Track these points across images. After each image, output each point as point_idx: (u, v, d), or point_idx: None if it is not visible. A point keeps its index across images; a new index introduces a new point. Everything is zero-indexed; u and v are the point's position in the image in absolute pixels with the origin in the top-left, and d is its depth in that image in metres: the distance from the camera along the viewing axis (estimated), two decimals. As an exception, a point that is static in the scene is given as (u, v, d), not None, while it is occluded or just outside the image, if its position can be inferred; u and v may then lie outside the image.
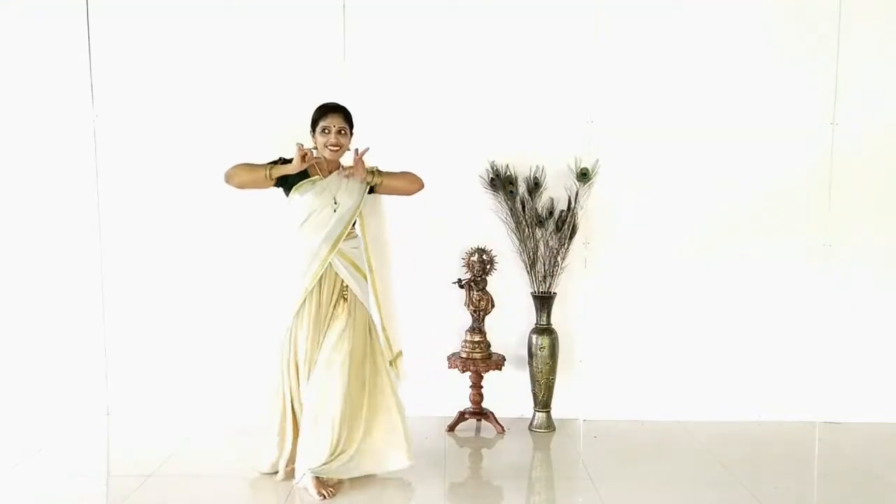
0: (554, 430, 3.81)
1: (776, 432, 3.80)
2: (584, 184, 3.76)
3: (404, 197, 3.27)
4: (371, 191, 3.17)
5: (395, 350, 3.29)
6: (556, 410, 3.86)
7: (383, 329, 3.25)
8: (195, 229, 3.87)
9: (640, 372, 3.94)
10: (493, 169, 3.78)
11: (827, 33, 3.81)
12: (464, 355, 3.75)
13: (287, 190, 3.08)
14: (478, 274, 3.73)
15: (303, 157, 2.96)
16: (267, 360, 3.20)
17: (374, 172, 3.11)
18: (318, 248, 3.03)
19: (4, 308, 3.96)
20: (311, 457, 2.97)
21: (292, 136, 3.08)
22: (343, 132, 3.05)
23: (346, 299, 3.09)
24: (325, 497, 2.93)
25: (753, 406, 3.94)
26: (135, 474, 3.18)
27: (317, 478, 2.96)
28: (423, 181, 3.19)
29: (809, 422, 3.94)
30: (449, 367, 3.79)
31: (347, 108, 3.12)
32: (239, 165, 3.03)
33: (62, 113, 3.86)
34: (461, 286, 3.75)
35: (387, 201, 3.27)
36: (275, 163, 3.05)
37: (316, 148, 3.08)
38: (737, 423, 3.88)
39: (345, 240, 3.08)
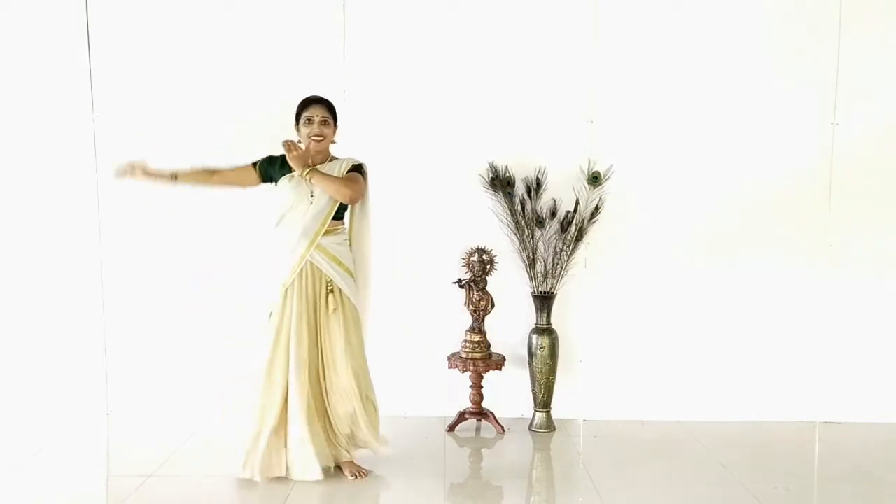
0: (554, 430, 3.81)
1: (776, 432, 3.80)
2: (595, 187, 3.76)
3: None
4: None
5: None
6: (556, 410, 3.86)
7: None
8: (195, 229, 3.87)
9: (640, 372, 3.94)
10: (492, 169, 3.79)
11: (827, 34, 3.81)
12: (464, 355, 3.75)
13: (276, 183, 3.15)
14: (478, 274, 3.73)
15: (289, 149, 2.99)
16: (257, 350, 3.20)
17: (311, 170, 3.03)
18: (297, 242, 3.06)
19: (5, 309, 3.96)
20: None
21: (292, 136, 3.10)
22: (326, 122, 3.09)
23: (332, 292, 3.10)
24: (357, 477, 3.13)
25: (753, 406, 3.94)
26: (135, 474, 3.18)
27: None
28: (355, 195, 3.06)
29: (809, 422, 3.94)
30: (449, 367, 3.79)
31: (331, 100, 3.16)
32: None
33: (62, 113, 3.86)
34: (461, 286, 3.75)
35: (375, 202, 3.27)
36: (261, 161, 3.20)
37: (300, 140, 3.12)
38: (737, 423, 3.88)
39: (326, 235, 3.09)
